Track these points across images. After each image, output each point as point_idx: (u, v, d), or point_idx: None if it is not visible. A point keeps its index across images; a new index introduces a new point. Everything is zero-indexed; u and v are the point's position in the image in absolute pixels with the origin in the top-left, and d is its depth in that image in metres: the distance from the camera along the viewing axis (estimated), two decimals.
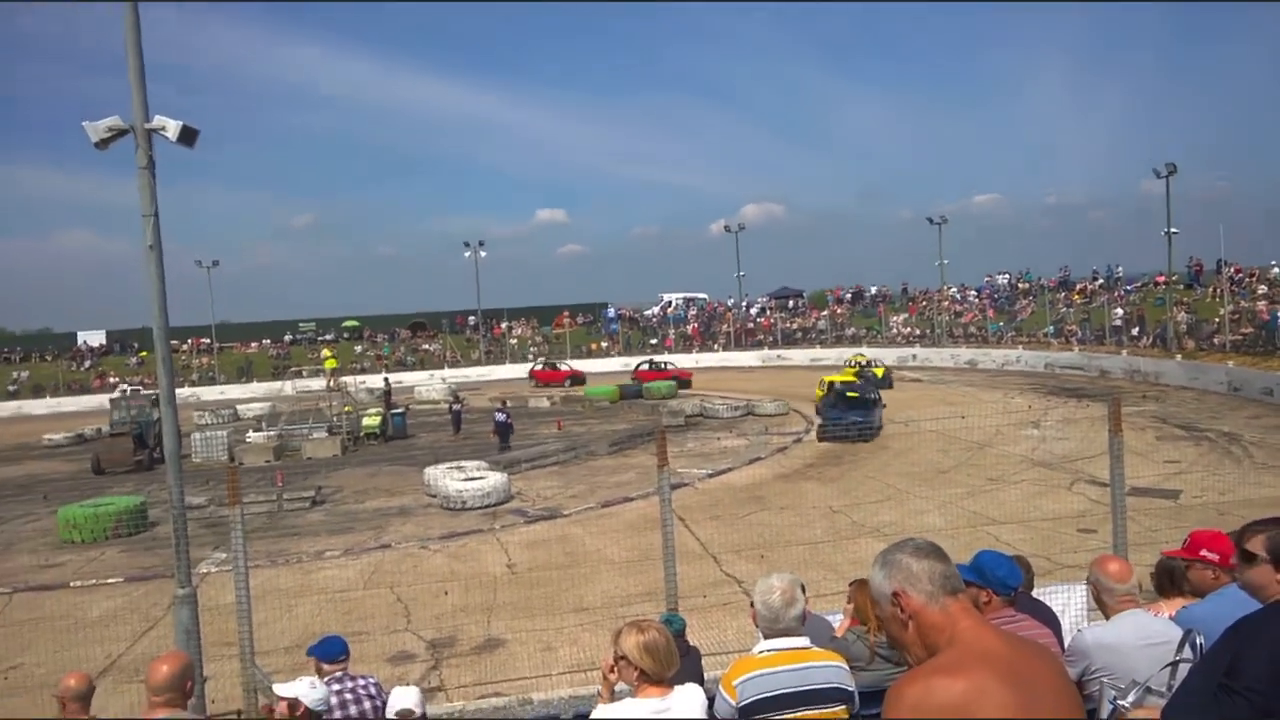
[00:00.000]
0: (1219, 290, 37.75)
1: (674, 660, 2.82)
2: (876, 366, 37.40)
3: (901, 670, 4.62)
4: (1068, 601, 7.11)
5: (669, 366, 45.06)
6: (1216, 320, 34.25)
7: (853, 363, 38.63)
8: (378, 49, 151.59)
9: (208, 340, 59.38)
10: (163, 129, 9.04)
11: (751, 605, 3.35)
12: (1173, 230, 38.86)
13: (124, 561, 15.87)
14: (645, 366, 44.78)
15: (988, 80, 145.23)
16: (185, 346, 57.91)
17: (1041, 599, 6.82)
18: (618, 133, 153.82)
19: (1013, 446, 21.83)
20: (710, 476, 20.45)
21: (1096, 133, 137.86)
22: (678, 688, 2.83)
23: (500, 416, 25.89)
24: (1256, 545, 2.50)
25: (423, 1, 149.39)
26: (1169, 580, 4.40)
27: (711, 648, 9.81)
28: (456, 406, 30.80)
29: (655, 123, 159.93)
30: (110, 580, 14.65)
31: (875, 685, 4.63)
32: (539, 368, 49.32)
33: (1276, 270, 39.99)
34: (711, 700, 3.00)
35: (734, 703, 2.88)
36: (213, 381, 53.53)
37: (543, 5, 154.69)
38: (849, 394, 26.46)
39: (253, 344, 62.84)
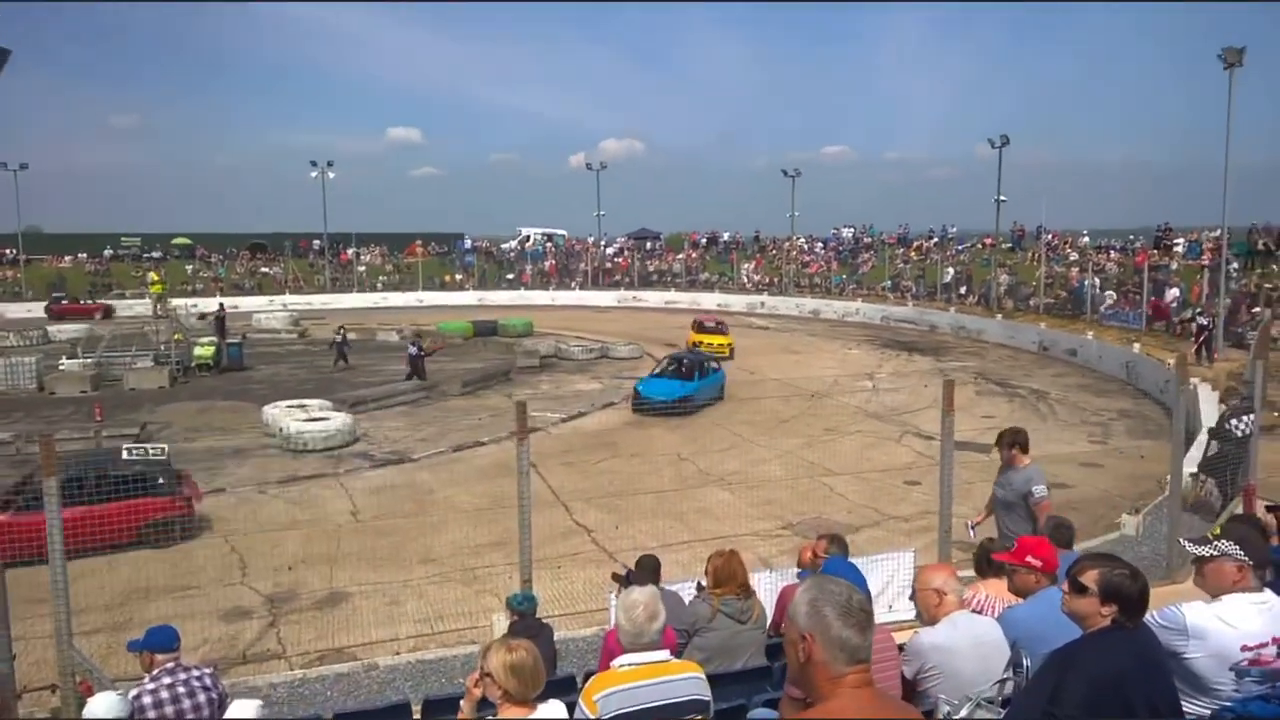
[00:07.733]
0: (1037, 256, 40.80)
1: (540, 680, 2.83)
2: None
3: (745, 629, 4.85)
4: (896, 568, 7.64)
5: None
6: (1033, 284, 37.06)
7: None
8: None
9: (13, 250, 53.53)
10: None
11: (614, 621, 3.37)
12: (1002, 198, 41.43)
13: None
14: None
15: (845, 30, 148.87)
16: None
17: (874, 565, 7.31)
18: (476, 49, 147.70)
19: (849, 398, 23.03)
20: (564, 421, 20.55)
21: (940, 94, 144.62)
22: (541, 706, 2.84)
23: (413, 349, 25.66)
24: (1089, 579, 2.69)
25: None
26: (987, 563, 4.81)
27: (560, 600, 9.98)
28: (337, 338, 28.96)
29: (515, 39, 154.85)
30: None
31: (724, 645, 4.81)
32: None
33: (1086, 239, 43.55)
34: (571, 708, 3.03)
35: (594, 717, 2.92)
36: (18, 298, 48.42)
37: None
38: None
39: (66, 258, 57.36)
